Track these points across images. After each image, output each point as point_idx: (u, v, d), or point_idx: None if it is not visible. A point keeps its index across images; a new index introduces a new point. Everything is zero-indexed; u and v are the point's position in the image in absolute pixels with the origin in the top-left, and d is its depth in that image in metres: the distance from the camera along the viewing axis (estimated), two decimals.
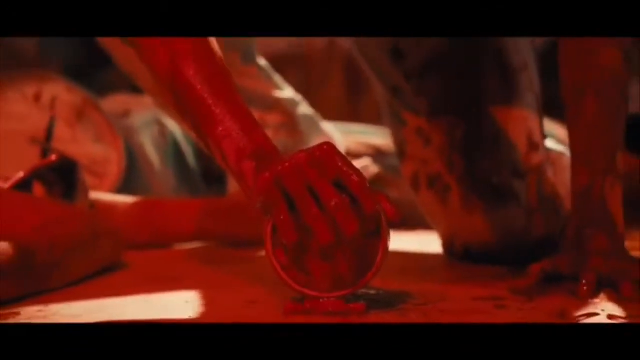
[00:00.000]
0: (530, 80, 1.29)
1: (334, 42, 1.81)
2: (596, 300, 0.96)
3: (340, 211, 0.89)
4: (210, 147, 1.00)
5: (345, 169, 0.92)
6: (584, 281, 0.98)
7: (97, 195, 1.43)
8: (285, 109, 1.55)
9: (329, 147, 0.93)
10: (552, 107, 1.35)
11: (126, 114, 1.73)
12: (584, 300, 0.96)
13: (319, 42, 2.87)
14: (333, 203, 0.89)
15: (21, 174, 1.28)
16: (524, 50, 1.29)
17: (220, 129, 0.97)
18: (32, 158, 1.49)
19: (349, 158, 0.95)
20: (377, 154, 1.75)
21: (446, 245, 1.32)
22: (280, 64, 2.84)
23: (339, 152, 0.93)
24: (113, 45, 1.38)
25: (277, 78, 1.57)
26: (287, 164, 0.92)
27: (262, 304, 0.99)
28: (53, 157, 1.34)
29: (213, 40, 1.04)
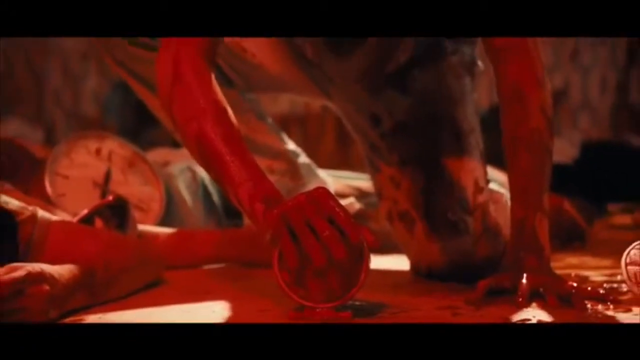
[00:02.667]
0: (476, 140, 1.29)
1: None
2: (529, 309, 0.96)
3: (332, 241, 0.90)
4: (228, 193, 1.00)
5: (335, 207, 0.92)
6: (520, 293, 0.98)
7: (143, 227, 1.41)
8: (289, 158, 1.54)
9: (323, 191, 0.93)
10: (494, 158, 1.36)
11: (166, 163, 1.73)
12: (520, 309, 0.96)
13: (315, 106, 2.87)
14: (326, 234, 0.90)
15: (85, 211, 1.28)
16: (471, 118, 1.29)
17: (236, 179, 0.97)
18: (94, 198, 1.49)
19: (338, 198, 0.96)
20: (360, 194, 1.74)
21: (414, 266, 1.31)
22: (284, 122, 2.86)
23: (330, 194, 0.93)
24: (158, 110, 1.38)
25: (282, 133, 1.57)
26: (290, 204, 0.92)
27: (271, 312, 0.98)
28: (110, 198, 1.34)
29: (229, 110, 1.04)
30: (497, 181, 1.53)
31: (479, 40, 1.20)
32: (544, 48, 1.14)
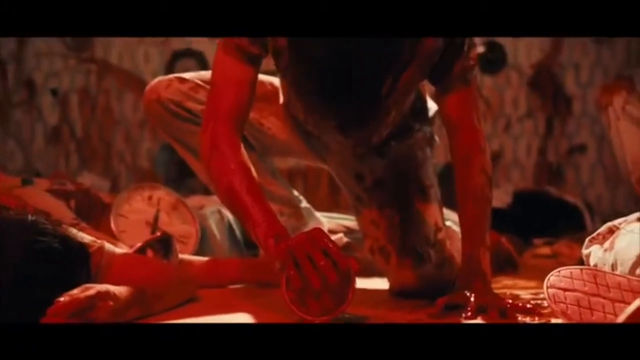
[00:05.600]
0: (435, 192, 1.30)
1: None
2: (477, 321, 0.95)
3: (326, 268, 0.90)
4: (249, 231, 1.01)
5: (328, 243, 0.93)
6: (469, 309, 0.98)
7: (182, 256, 1.40)
8: (294, 203, 1.54)
9: (318, 230, 0.95)
10: (450, 204, 1.36)
11: (201, 207, 1.72)
12: (469, 320, 0.96)
13: (312, 165, 2.88)
14: (321, 264, 0.91)
15: (139, 244, 1.27)
16: (431, 176, 1.31)
17: (255, 221, 0.99)
18: (146, 234, 1.48)
19: (330, 234, 0.97)
20: (348, 231, 1.72)
21: (390, 287, 1.30)
22: (291, 175, 2.87)
23: (324, 233, 0.94)
24: (195, 165, 1.39)
25: (289, 185, 1.57)
26: (294, 241, 0.93)
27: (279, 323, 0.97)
28: (158, 234, 1.34)
29: (252, 169, 1.05)
30: (452, 220, 1.53)
31: (437, 121, 1.23)
32: (485, 122, 1.17)
